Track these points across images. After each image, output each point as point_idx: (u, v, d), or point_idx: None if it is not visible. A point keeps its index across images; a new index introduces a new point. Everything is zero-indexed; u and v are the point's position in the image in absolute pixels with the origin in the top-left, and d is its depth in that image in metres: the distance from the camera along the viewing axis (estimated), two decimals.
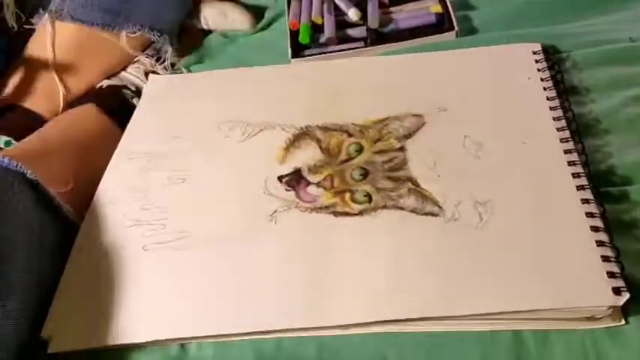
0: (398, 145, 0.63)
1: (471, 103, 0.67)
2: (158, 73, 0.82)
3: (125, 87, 0.79)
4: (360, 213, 0.58)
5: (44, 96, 0.77)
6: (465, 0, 0.84)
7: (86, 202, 0.64)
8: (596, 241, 0.52)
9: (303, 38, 0.79)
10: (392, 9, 0.82)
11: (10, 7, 0.78)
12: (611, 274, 0.49)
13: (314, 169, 0.63)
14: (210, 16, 0.88)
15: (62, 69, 0.77)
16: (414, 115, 0.66)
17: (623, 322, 0.49)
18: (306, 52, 0.79)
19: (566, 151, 0.59)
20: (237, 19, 0.87)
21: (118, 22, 0.79)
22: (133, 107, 0.76)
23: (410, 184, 0.60)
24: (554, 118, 0.63)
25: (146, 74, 0.81)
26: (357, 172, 0.62)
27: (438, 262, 0.53)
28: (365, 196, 0.59)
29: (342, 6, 0.82)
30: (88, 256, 0.60)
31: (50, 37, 0.77)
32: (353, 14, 0.80)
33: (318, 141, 0.65)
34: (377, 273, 0.53)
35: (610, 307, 0.48)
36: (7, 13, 0.78)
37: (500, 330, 0.50)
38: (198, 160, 0.67)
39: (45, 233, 0.58)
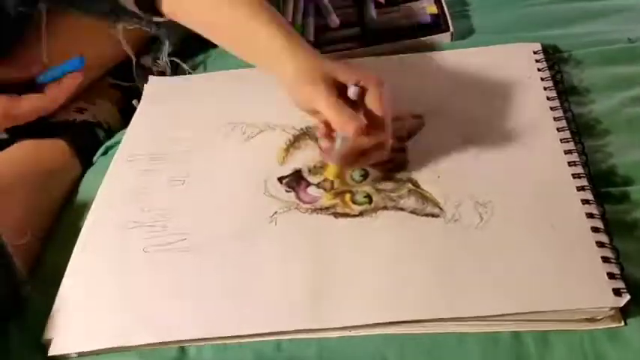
0: (398, 146, 0.63)
1: (471, 103, 0.67)
2: (159, 74, 0.81)
3: (99, 124, 0.78)
4: (361, 214, 0.58)
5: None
6: (461, 2, 0.84)
7: (36, 254, 0.63)
8: (597, 242, 0.52)
9: None
10: (388, 9, 0.82)
11: None
12: (611, 276, 0.49)
13: (314, 170, 0.63)
14: None
15: (55, 58, 0.76)
16: (415, 116, 0.66)
17: (622, 323, 0.49)
18: None
19: (567, 152, 0.59)
20: None
21: (115, 13, 0.77)
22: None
23: (410, 185, 0.60)
24: (554, 118, 0.63)
25: (145, 74, 0.81)
26: (358, 172, 0.62)
27: (438, 263, 0.53)
28: (365, 197, 0.59)
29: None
30: (88, 258, 0.60)
31: (45, 25, 0.76)
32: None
33: (318, 142, 0.65)
34: (377, 274, 0.53)
35: (611, 309, 0.48)
36: (8, 5, 0.78)
37: (501, 331, 0.50)
38: (198, 162, 0.67)
39: None
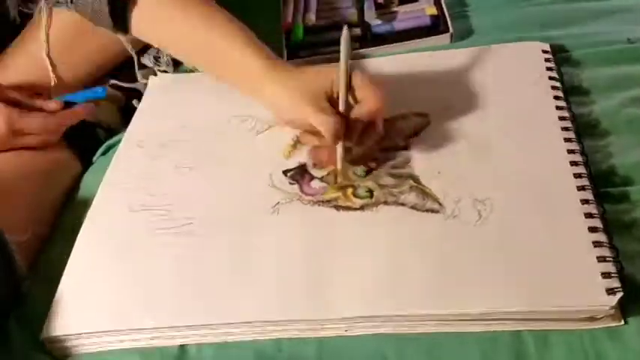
0: (402, 144, 0.64)
1: (477, 101, 0.67)
2: (159, 72, 0.82)
3: (99, 124, 0.78)
4: (362, 208, 0.59)
5: (33, 83, 0.76)
6: (460, 3, 0.84)
7: (36, 251, 0.64)
8: (593, 242, 0.52)
9: (297, 35, 0.80)
10: (387, 10, 0.83)
11: None
12: (606, 275, 0.49)
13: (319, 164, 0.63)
14: None
15: (55, 57, 0.76)
16: (420, 114, 0.67)
17: (622, 322, 0.49)
18: (302, 52, 0.79)
19: (570, 151, 0.60)
20: None
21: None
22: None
23: (412, 181, 0.60)
24: (559, 118, 0.63)
25: (146, 74, 0.81)
26: (361, 168, 0.62)
27: (436, 258, 0.53)
28: (367, 191, 0.60)
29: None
30: (93, 238, 0.60)
31: (46, 25, 0.76)
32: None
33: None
34: (375, 268, 0.53)
35: (611, 308, 0.48)
36: (9, 4, 0.78)
37: (501, 331, 0.50)
38: (206, 150, 0.67)
39: None
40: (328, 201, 0.60)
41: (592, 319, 0.49)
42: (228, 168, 0.65)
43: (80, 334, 0.54)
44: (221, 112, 0.71)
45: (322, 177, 0.62)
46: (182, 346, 0.53)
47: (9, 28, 0.79)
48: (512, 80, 0.68)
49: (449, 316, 0.50)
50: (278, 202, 0.60)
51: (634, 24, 0.74)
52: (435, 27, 0.79)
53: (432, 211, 0.57)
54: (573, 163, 0.58)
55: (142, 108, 0.75)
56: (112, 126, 0.79)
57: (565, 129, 0.62)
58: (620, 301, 0.48)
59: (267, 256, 0.56)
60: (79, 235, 0.61)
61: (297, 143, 0.66)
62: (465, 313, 0.50)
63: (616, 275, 0.49)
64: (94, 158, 0.74)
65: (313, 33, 0.81)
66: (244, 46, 0.64)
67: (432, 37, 0.78)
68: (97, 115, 0.77)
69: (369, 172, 0.61)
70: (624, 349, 0.48)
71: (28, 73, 0.76)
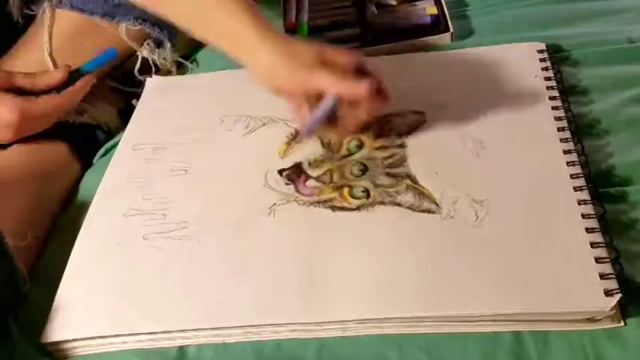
0: (398, 142, 0.64)
1: (473, 101, 0.67)
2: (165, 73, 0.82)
3: (98, 126, 0.78)
4: (358, 208, 0.59)
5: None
6: (460, 3, 0.84)
7: (36, 254, 0.64)
8: (591, 243, 0.52)
9: (303, 33, 0.80)
10: (387, 9, 0.83)
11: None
12: (604, 276, 0.49)
13: (314, 163, 0.63)
14: None
15: (58, 57, 0.76)
16: (416, 112, 0.67)
17: (622, 323, 0.49)
18: None
19: (566, 152, 0.59)
20: None
21: (118, 12, 0.78)
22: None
23: (408, 181, 0.60)
24: (555, 118, 0.63)
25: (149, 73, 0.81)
26: (357, 167, 0.62)
27: (432, 259, 0.53)
28: (363, 191, 0.60)
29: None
30: (90, 244, 0.60)
31: (48, 25, 0.76)
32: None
33: (320, 136, 0.65)
34: (372, 269, 0.53)
35: (610, 309, 0.48)
36: (12, 6, 0.78)
37: (501, 331, 0.50)
38: (200, 152, 0.67)
39: None
40: (324, 201, 0.60)
41: (591, 320, 0.49)
42: (223, 169, 0.65)
43: (79, 339, 0.54)
44: (216, 113, 0.71)
45: (318, 177, 0.62)
46: (181, 347, 0.53)
47: (13, 29, 0.79)
48: (508, 81, 0.68)
49: (447, 317, 0.50)
50: (274, 204, 0.60)
51: (634, 24, 0.74)
52: (436, 26, 0.79)
53: (429, 211, 0.57)
54: (570, 164, 0.58)
55: (138, 111, 0.75)
56: (111, 127, 0.79)
57: (561, 129, 0.61)
58: (620, 302, 0.48)
59: (263, 258, 0.56)
60: (76, 241, 0.61)
61: (291, 141, 0.66)
62: (462, 315, 0.50)
63: (614, 276, 0.49)
64: (95, 160, 0.74)
65: (317, 32, 0.81)
66: (242, 13, 0.63)
67: (433, 36, 0.78)
68: (95, 116, 0.77)
69: (364, 171, 0.61)
70: (624, 349, 0.48)
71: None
